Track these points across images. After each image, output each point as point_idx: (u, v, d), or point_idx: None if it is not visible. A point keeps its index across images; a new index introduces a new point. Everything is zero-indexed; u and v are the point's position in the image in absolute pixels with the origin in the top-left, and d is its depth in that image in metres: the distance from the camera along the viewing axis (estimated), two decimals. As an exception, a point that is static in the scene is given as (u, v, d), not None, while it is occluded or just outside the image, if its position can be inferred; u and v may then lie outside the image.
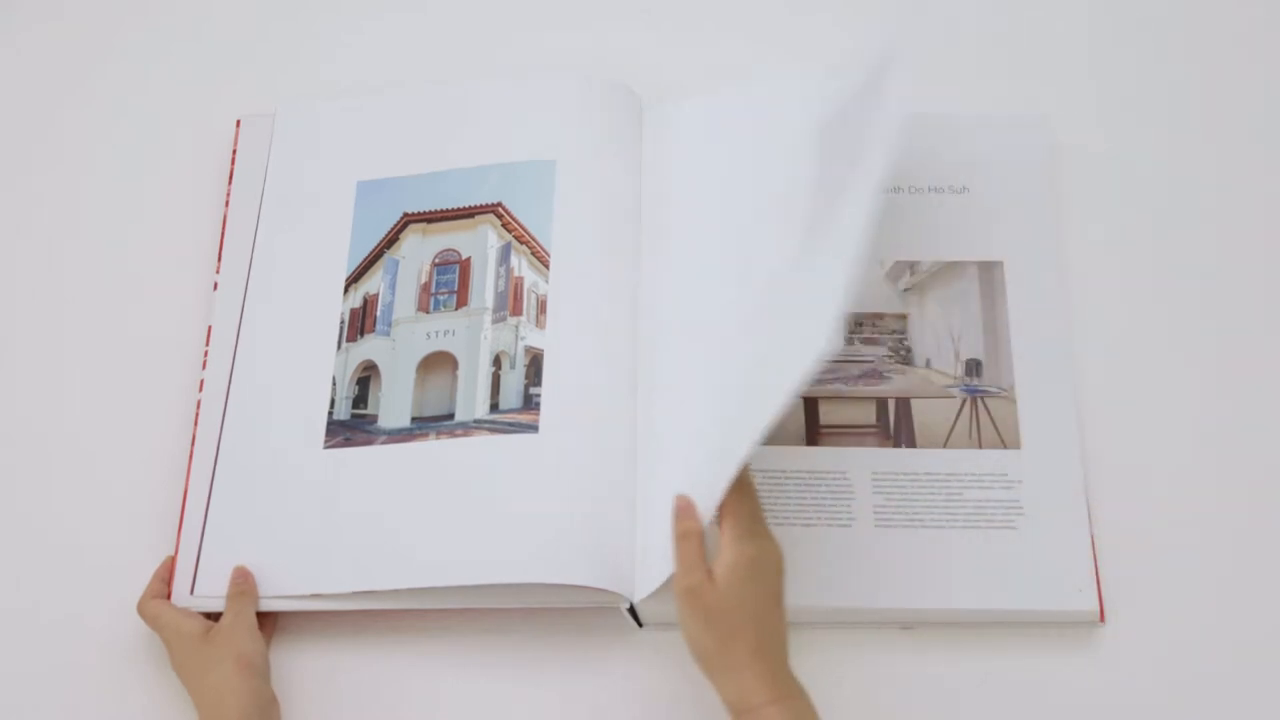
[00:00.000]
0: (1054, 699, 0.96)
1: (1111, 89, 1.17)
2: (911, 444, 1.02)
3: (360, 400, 1.04)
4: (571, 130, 1.10)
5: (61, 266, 1.13)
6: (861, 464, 1.01)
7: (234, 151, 1.14)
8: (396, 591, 0.95)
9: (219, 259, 1.09)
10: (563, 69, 1.14)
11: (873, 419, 1.03)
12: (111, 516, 1.03)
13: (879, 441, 1.02)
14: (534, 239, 1.06)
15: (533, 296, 1.05)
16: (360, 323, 1.06)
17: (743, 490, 0.87)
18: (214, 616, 0.96)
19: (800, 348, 0.83)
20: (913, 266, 1.08)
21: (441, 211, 1.09)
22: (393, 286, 1.07)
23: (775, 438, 1.02)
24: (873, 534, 0.99)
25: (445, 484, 0.98)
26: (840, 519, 0.99)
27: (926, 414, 1.03)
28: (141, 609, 0.96)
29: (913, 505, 0.99)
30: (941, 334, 1.06)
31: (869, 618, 0.97)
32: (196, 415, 1.04)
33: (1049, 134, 1.12)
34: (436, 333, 1.05)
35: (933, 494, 1.00)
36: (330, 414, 1.03)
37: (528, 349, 1.03)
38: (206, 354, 1.06)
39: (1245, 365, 1.06)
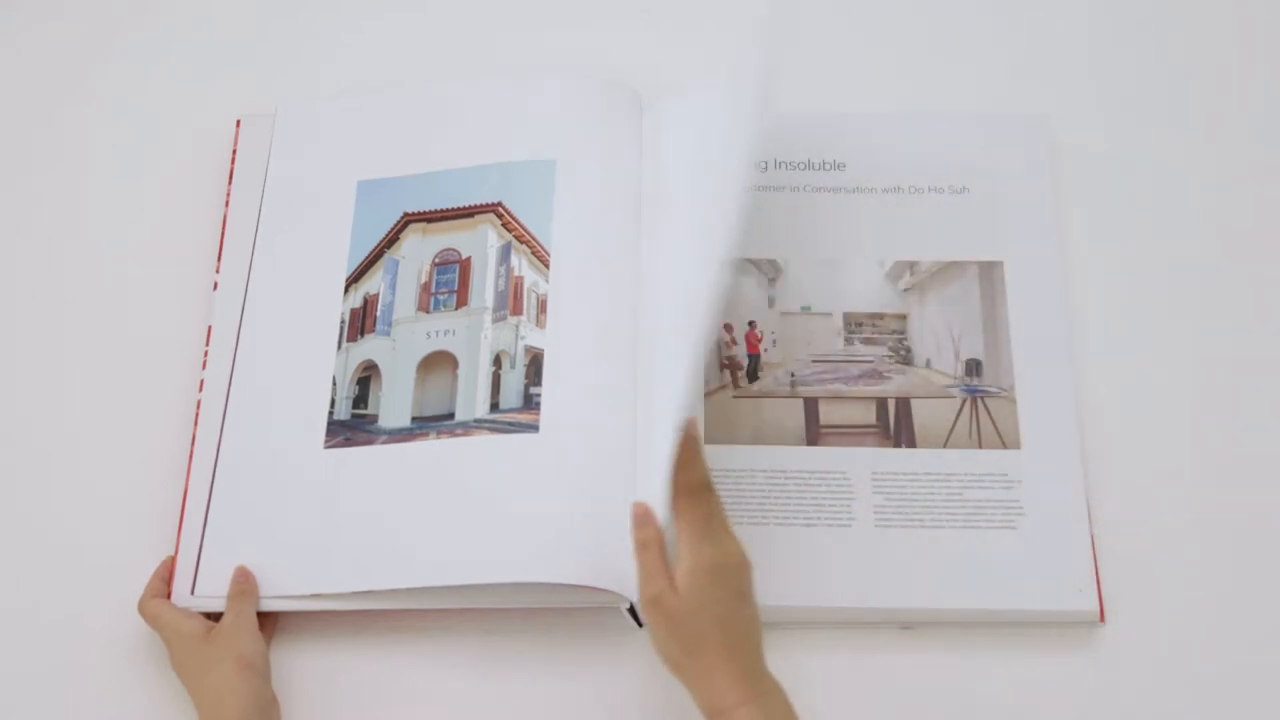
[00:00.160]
0: (1054, 699, 0.96)
1: (1111, 89, 1.17)
2: (911, 444, 1.02)
3: (360, 400, 1.04)
4: (571, 130, 1.10)
5: (61, 266, 1.13)
6: (861, 464, 1.01)
7: (234, 151, 1.14)
8: (396, 591, 0.95)
9: (219, 259, 1.09)
10: (563, 69, 1.14)
11: (873, 419, 1.03)
12: (111, 516, 1.03)
13: (879, 441, 1.02)
14: (534, 238, 1.06)
15: (533, 296, 1.05)
16: (360, 322, 1.06)
17: (694, 493, 0.86)
18: (214, 616, 0.96)
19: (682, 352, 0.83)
20: (913, 266, 1.08)
21: (441, 211, 1.09)
22: (393, 286, 1.07)
23: (775, 437, 1.02)
24: (873, 534, 0.99)
25: (445, 484, 0.98)
26: (840, 519, 0.99)
27: (926, 414, 1.03)
28: (142, 608, 0.96)
29: (913, 505, 0.99)
30: (941, 334, 1.06)
31: (869, 618, 0.97)
32: (196, 415, 1.04)
33: (1049, 134, 1.12)
34: (437, 332, 1.05)
35: (933, 494, 1.00)
36: (330, 414, 1.03)
37: (528, 349, 1.03)
38: (206, 354, 1.06)
39: (1245, 365, 1.06)
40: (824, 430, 1.03)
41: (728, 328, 1.06)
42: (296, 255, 1.09)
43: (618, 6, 1.22)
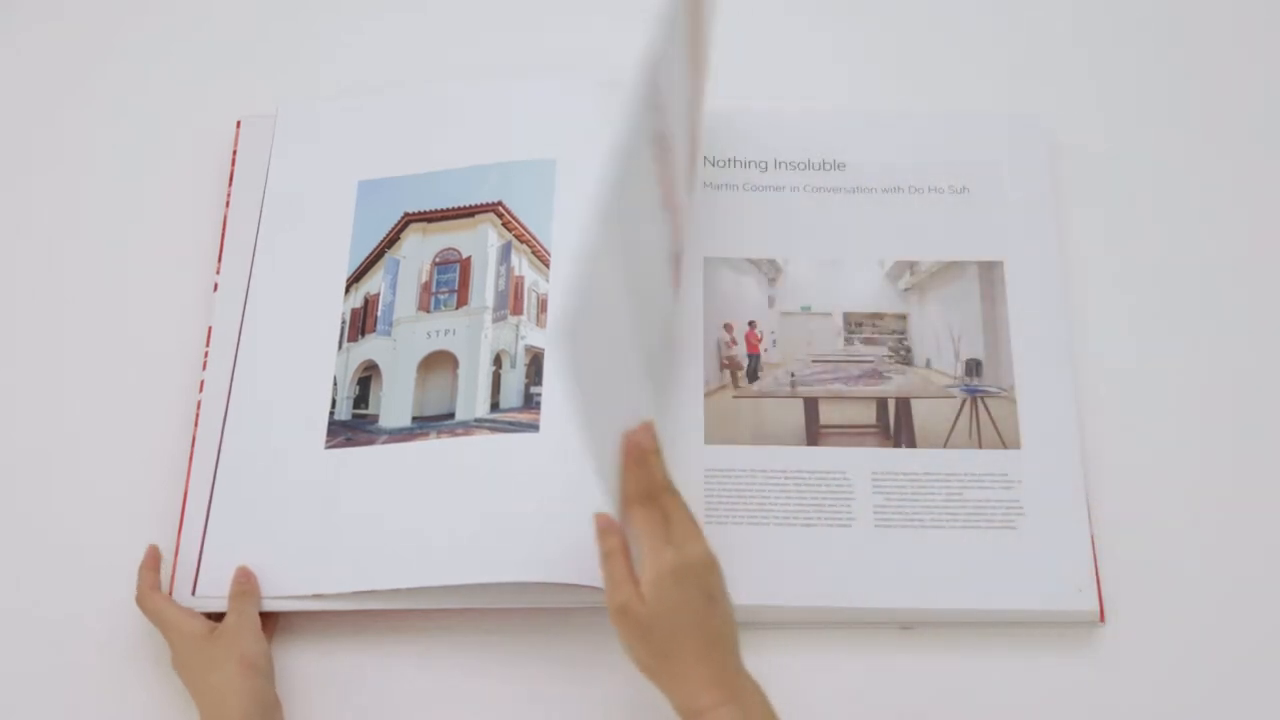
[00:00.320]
0: (1054, 699, 0.96)
1: (1111, 89, 1.17)
2: (911, 444, 1.02)
3: (361, 400, 1.04)
4: (571, 130, 1.10)
5: (61, 266, 1.13)
6: (861, 464, 1.01)
7: (234, 152, 1.14)
8: (397, 591, 0.95)
9: (219, 259, 1.09)
10: (563, 69, 1.14)
11: (873, 419, 1.03)
12: (111, 516, 1.03)
13: (879, 441, 1.02)
14: (534, 238, 1.06)
15: (533, 295, 1.05)
16: (361, 322, 1.06)
17: (647, 500, 0.85)
18: (215, 616, 0.96)
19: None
20: (913, 266, 1.08)
21: (442, 211, 1.09)
22: (393, 286, 1.07)
23: (775, 437, 1.02)
24: (873, 534, 0.99)
25: (446, 484, 0.99)
26: (840, 519, 0.99)
27: (926, 414, 1.03)
28: (142, 603, 0.96)
29: (913, 505, 0.99)
30: (941, 334, 1.06)
31: (869, 618, 0.97)
32: (197, 416, 1.04)
33: (1049, 134, 1.12)
34: (437, 332, 1.05)
35: (933, 494, 1.00)
36: (331, 414, 1.03)
37: (528, 348, 1.03)
38: (207, 354, 1.06)
39: (1246, 365, 1.06)
40: (824, 430, 1.03)
41: (727, 328, 1.06)
42: (297, 255, 1.09)
43: (617, 6, 1.22)
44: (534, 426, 0.99)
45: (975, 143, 1.12)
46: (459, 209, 1.09)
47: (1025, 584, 0.97)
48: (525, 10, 1.22)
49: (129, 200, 1.15)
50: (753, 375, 1.05)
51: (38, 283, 1.12)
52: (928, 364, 1.05)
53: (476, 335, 1.04)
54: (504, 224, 1.07)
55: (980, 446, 1.01)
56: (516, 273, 1.05)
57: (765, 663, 0.95)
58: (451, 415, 1.02)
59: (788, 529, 0.99)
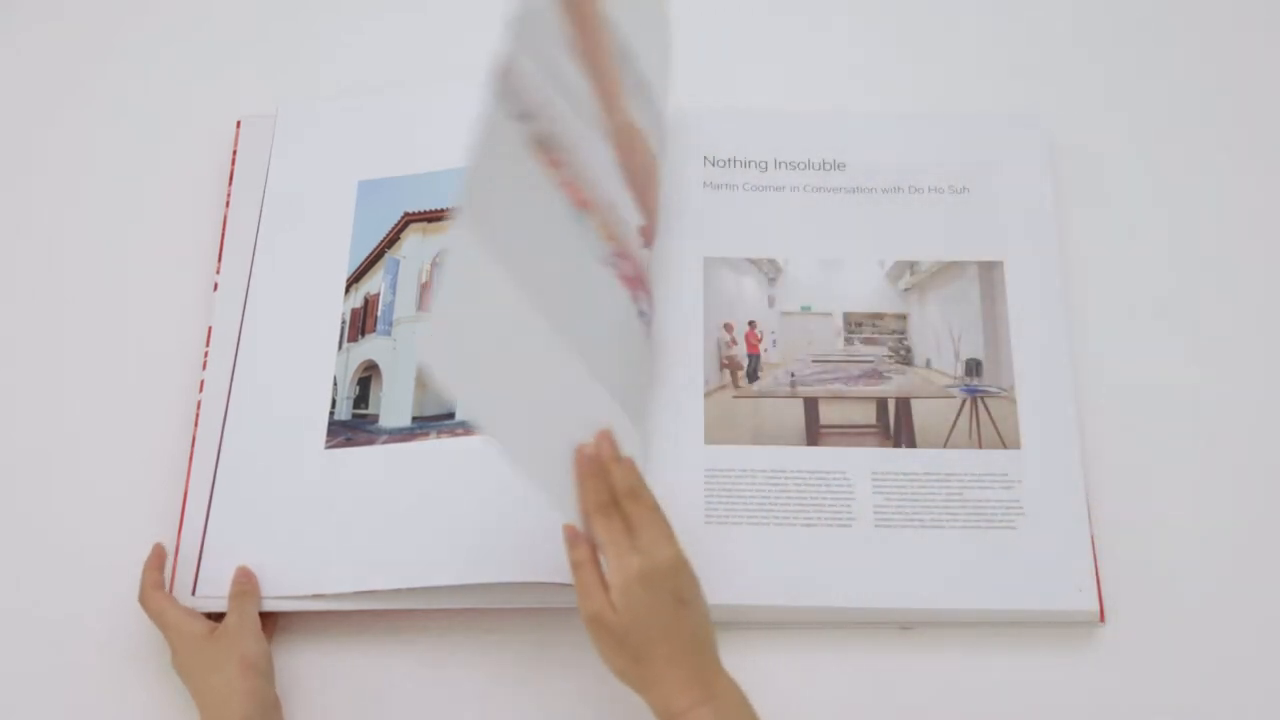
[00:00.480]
0: (1054, 699, 0.96)
1: (1111, 89, 1.17)
2: (911, 444, 1.02)
3: (361, 400, 1.04)
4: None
5: (61, 266, 1.13)
6: (861, 464, 1.01)
7: (234, 152, 1.14)
8: (397, 591, 0.95)
9: (219, 259, 1.09)
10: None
11: (873, 419, 1.03)
12: (111, 516, 1.03)
13: (879, 441, 1.02)
14: (534, 239, 1.06)
15: (533, 296, 1.04)
16: (361, 322, 1.06)
17: (606, 510, 0.87)
18: (215, 616, 0.96)
19: None
20: (913, 266, 1.08)
21: (442, 211, 1.09)
22: (394, 286, 1.07)
23: (775, 437, 1.02)
24: (873, 534, 0.99)
25: (446, 483, 0.98)
26: (840, 519, 0.99)
27: (926, 414, 1.03)
28: (144, 602, 0.96)
29: (913, 505, 0.99)
30: (941, 334, 1.06)
31: (869, 618, 0.97)
32: (197, 416, 1.04)
33: (1049, 134, 1.12)
34: (437, 332, 1.05)
35: (933, 494, 1.00)
36: (331, 414, 1.03)
37: (528, 349, 1.03)
38: (207, 354, 1.06)
39: (1245, 365, 1.06)
40: (824, 430, 1.03)
41: (727, 327, 1.06)
42: (297, 255, 1.09)
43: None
44: (534, 426, 0.99)
45: (975, 143, 1.12)
46: (459, 209, 1.09)
47: (1025, 584, 0.97)
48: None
49: (129, 200, 1.15)
50: (753, 375, 1.05)
51: (38, 283, 1.12)
52: (928, 364, 1.05)
53: (476, 335, 1.04)
54: (504, 224, 1.07)
55: (980, 446, 1.01)
56: (516, 273, 1.05)
57: (765, 663, 0.95)
58: (451, 415, 1.01)
59: (788, 529, 0.99)
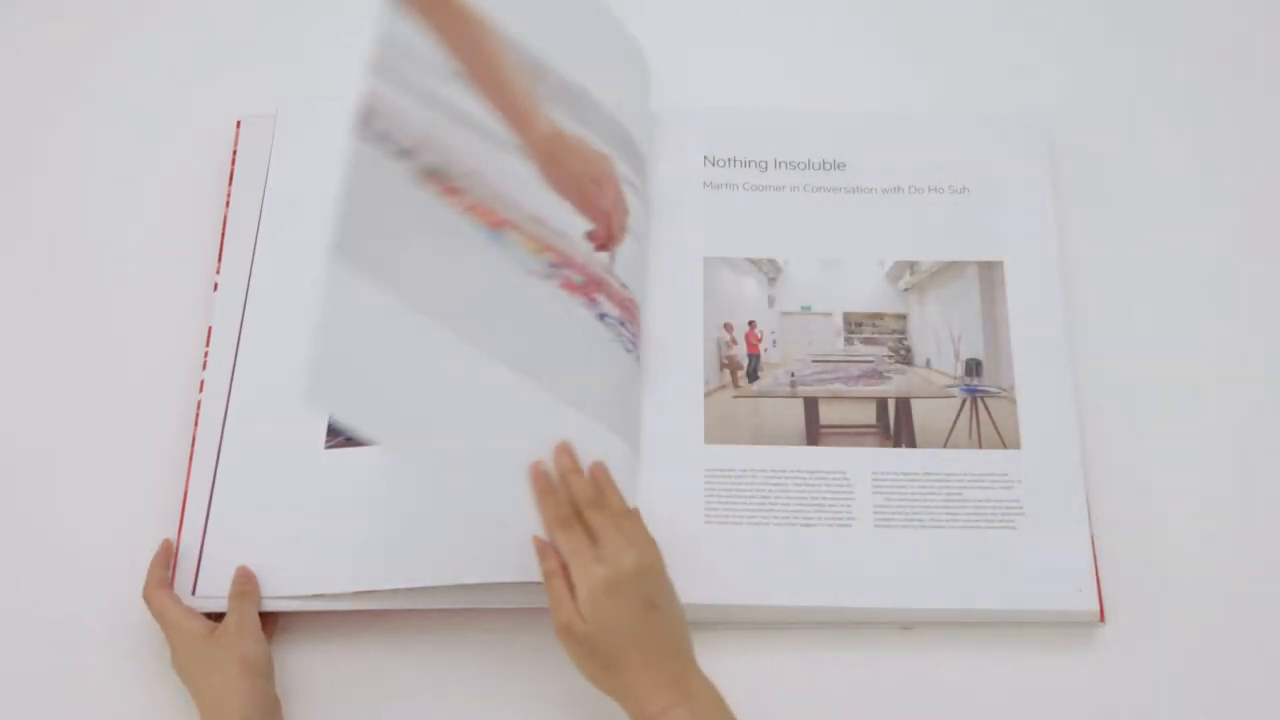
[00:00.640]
0: (1054, 699, 0.96)
1: (1111, 89, 1.17)
2: (911, 444, 1.02)
3: (360, 400, 1.03)
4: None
5: (61, 266, 1.13)
6: (861, 464, 1.01)
7: (234, 152, 1.14)
8: (397, 591, 0.95)
9: (219, 259, 1.09)
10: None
11: (873, 419, 1.03)
12: (112, 516, 1.03)
13: (879, 441, 1.02)
14: (534, 239, 1.06)
15: (532, 296, 1.04)
16: (360, 323, 1.06)
17: (565, 524, 0.88)
18: (215, 616, 0.96)
19: None
20: (913, 266, 1.08)
21: (441, 211, 1.09)
22: (393, 286, 1.07)
23: (775, 437, 1.02)
24: (873, 534, 0.99)
25: (446, 483, 0.98)
26: (840, 519, 0.99)
27: (926, 414, 1.03)
28: (148, 598, 0.96)
29: (913, 505, 0.99)
30: (941, 334, 1.06)
31: (869, 618, 0.97)
32: (197, 416, 1.04)
33: (1049, 134, 1.12)
34: (436, 333, 1.05)
35: (933, 494, 1.00)
36: (331, 414, 1.03)
37: (528, 349, 1.03)
38: (207, 354, 1.06)
39: (1246, 364, 1.06)
40: (824, 430, 1.03)
41: (727, 327, 1.06)
42: (297, 255, 1.09)
43: (617, 7, 1.22)
44: (534, 426, 0.99)
45: (975, 143, 1.12)
46: (459, 209, 1.09)
47: (1025, 584, 0.97)
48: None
49: (129, 200, 1.15)
50: (753, 375, 1.05)
51: (38, 283, 1.12)
52: (928, 364, 1.05)
53: (476, 335, 1.04)
54: (503, 224, 1.07)
55: (980, 446, 1.01)
56: (516, 273, 1.05)
57: (765, 663, 0.95)
58: (451, 415, 1.01)
59: (788, 529, 0.99)
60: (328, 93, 1.16)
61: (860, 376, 1.05)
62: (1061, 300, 1.06)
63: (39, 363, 1.09)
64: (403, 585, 0.95)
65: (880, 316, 1.07)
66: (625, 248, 1.03)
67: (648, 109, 1.11)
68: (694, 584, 0.95)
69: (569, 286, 0.98)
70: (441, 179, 0.92)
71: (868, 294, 1.07)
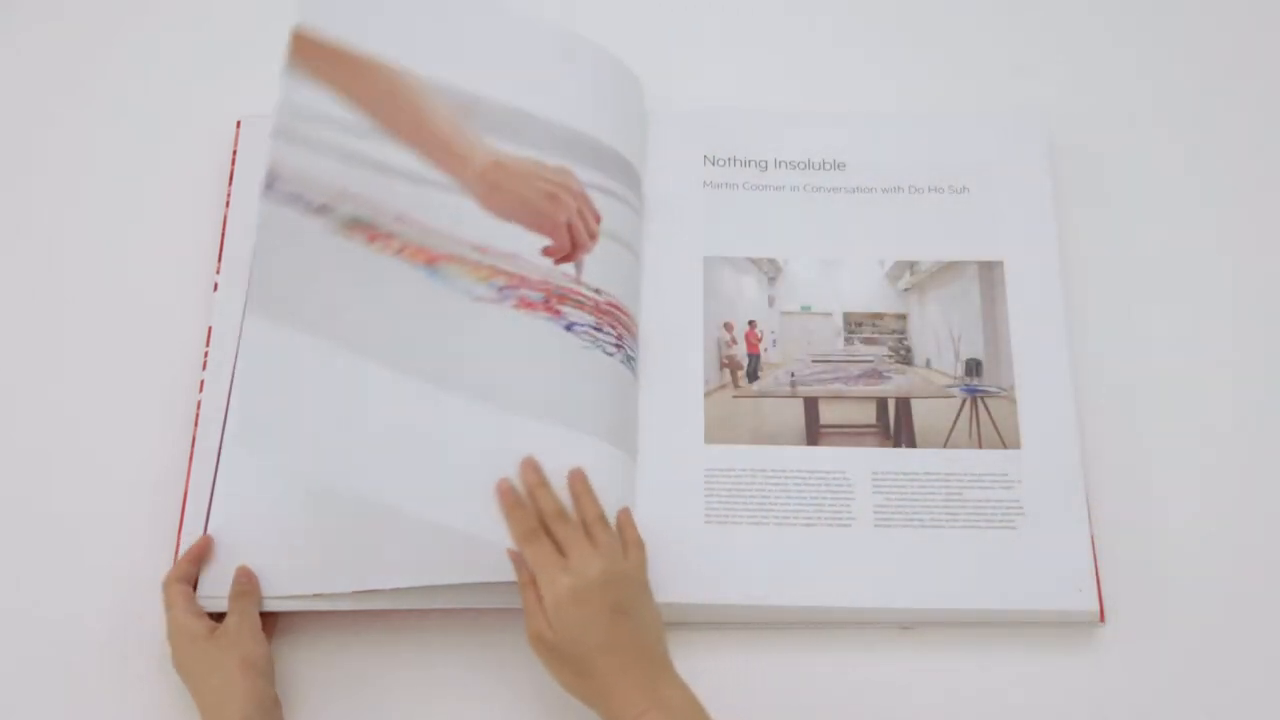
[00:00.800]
0: (1054, 699, 0.96)
1: (1111, 89, 1.17)
2: (911, 444, 1.02)
3: (360, 400, 1.03)
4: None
5: (61, 267, 1.13)
6: (861, 464, 1.01)
7: (234, 152, 1.14)
8: (397, 591, 0.95)
9: (219, 259, 1.09)
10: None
11: (873, 419, 1.03)
12: (112, 517, 1.03)
13: (879, 441, 1.02)
14: (534, 239, 1.06)
15: (532, 296, 1.05)
16: (360, 323, 1.06)
17: (530, 538, 0.90)
18: (216, 616, 0.96)
19: None
20: (913, 266, 1.08)
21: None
22: (392, 287, 1.07)
23: (775, 437, 1.02)
24: (873, 534, 0.99)
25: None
26: (840, 519, 0.99)
27: (926, 414, 1.03)
28: (165, 586, 0.96)
29: (913, 505, 0.99)
30: (941, 334, 1.06)
31: (869, 618, 0.97)
32: (197, 416, 1.04)
33: (1049, 134, 1.12)
34: (436, 333, 1.05)
35: (933, 494, 1.00)
36: (331, 414, 1.03)
37: (527, 349, 1.03)
38: (207, 354, 1.06)
39: (1245, 365, 1.06)
40: (824, 430, 1.03)
41: (727, 327, 1.06)
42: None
43: (613, 7, 1.22)
44: (533, 426, 0.99)
45: (975, 143, 1.12)
46: (458, 209, 1.09)
47: (1025, 584, 0.97)
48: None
49: (129, 200, 1.15)
50: (753, 375, 1.05)
51: (38, 283, 1.12)
52: (928, 364, 1.05)
53: (476, 335, 1.04)
54: (503, 224, 1.07)
55: (980, 446, 1.01)
56: (516, 273, 1.05)
57: (765, 662, 0.95)
58: (451, 415, 1.01)
59: (788, 529, 0.99)
60: (328, 93, 1.16)
61: (860, 376, 1.05)
62: (1061, 300, 1.06)
63: (39, 363, 1.09)
64: (403, 585, 0.95)
65: (880, 316, 1.07)
66: (600, 253, 1.03)
67: (637, 112, 1.11)
68: (694, 584, 0.95)
69: (526, 304, 1.00)
70: (366, 227, 0.96)
71: (868, 294, 1.08)
